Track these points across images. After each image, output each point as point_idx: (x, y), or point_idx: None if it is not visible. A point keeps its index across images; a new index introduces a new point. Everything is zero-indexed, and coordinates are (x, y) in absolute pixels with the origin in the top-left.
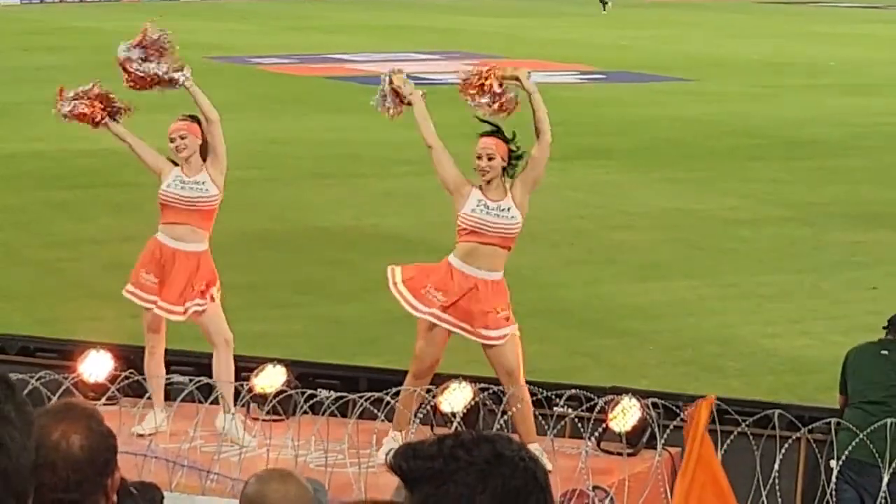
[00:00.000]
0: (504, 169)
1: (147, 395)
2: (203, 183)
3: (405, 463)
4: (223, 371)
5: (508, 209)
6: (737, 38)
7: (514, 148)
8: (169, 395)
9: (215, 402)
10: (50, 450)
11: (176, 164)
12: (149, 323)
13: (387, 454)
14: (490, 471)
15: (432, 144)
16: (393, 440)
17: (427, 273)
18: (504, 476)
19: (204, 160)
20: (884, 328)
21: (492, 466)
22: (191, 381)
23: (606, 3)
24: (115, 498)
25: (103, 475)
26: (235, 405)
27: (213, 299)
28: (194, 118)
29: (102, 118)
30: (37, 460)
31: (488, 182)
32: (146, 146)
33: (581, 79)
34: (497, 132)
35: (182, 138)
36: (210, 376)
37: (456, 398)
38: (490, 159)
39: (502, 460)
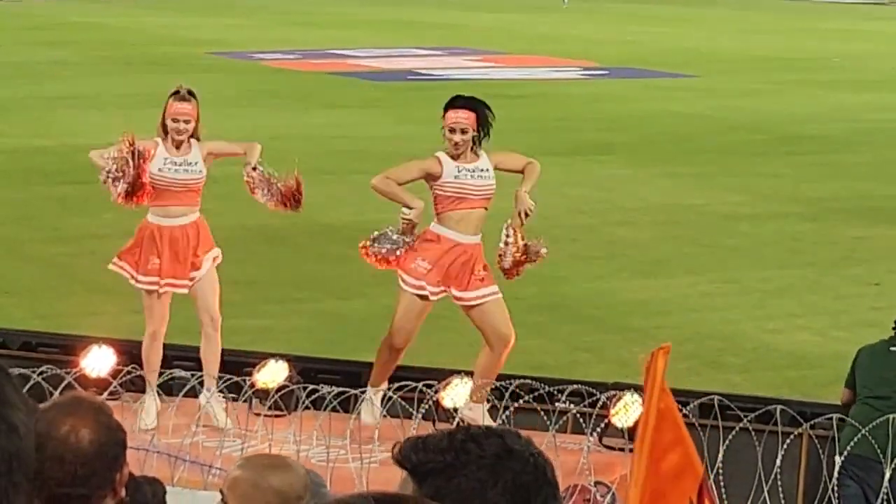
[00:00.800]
0: (473, 138)
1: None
2: (195, 163)
3: (414, 455)
4: (209, 350)
5: (486, 170)
6: (740, 33)
7: (484, 115)
8: (171, 390)
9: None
10: (58, 443)
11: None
12: (160, 307)
13: (393, 448)
14: (501, 465)
15: (400, 181)
16: (373, 397)
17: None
18: (514, 471)
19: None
20: (893, 328)
21: (502, 461)
22: (192, 375)
23: None
24: (123, 492)
25: (112, 470)
26: (238, 399)
27: (215, 261)
28: (194, 96)
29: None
30: (45, 453)
31: (460, 154)
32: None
33: (583, 74)
34: (470, 103)
35: (186, 122)
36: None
37: (458, 394)
38: (463, 133)
39: (513, 455)
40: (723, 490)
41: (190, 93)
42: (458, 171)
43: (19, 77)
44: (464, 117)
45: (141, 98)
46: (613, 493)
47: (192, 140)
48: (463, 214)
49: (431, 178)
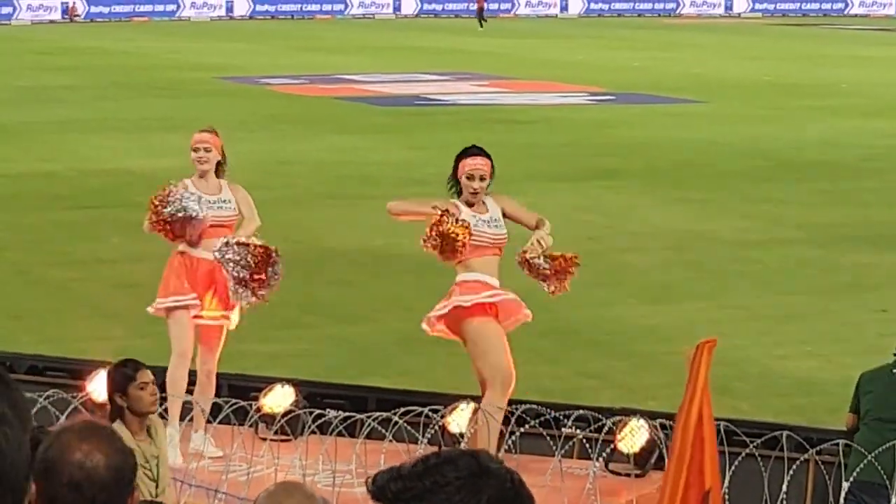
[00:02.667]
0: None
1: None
2: (228, 201)
3: (392, 485)
4: (203, 397)
5: (498, 220)
6: (748, 59)
7: (493, 164)
8: (183, 416)
9: (223, 422)
10: (75, 469)
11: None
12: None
13: (366, 481)
14: (479, 483)
15: (424, 209)
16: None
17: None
18: (493, 487)
19: (218, 176)
20: (894, 354)
21: (480, 479)
22: (226, 402)
23: (484, 20)
24: None
25: (125, 494)
26: (244, 425)
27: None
28: (215, 131)
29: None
30: (61, 479)
31: (475, 202)
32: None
33: (591, 100)
34: (484, 151)
35: (206, 150)
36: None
37: (464, 418)
38: (482, 179)
39: (489, 473)
40: None
41: (213, 129)
42: (476, 221)
43: (28, 102)
44: (482, 164)
45: (150, 123)
46: None
47: (222, 181)
48: (485, 261)
49: None
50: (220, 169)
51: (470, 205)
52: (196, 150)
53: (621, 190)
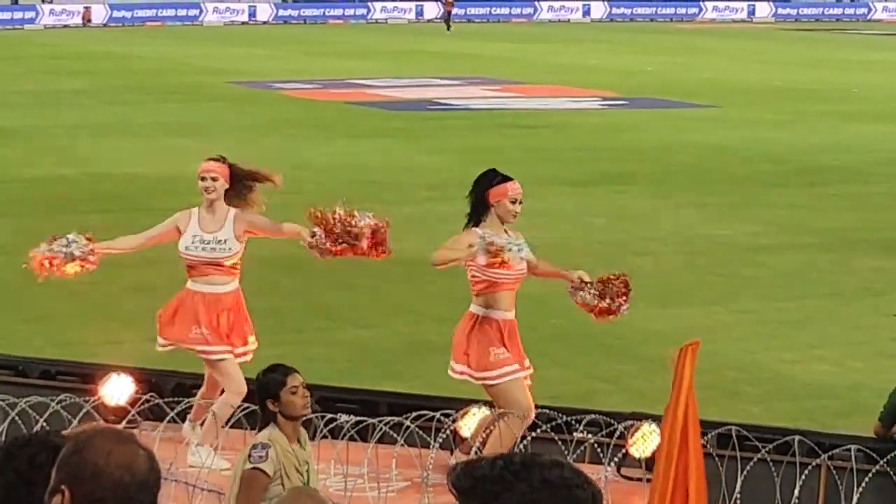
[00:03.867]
0: None
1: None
2: (225, 241)
3: (466, 481)
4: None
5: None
6: (760, 64)
7: None
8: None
9: (235, 425)
10: (124, 471)
11: (189, 213)
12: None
13: (449, 472)
14: (543, 495)
15: (461, 255)
16: None
17: (485, 341)
18: (557, 499)
19: (227, 204)
20: None
21: (544, 490)
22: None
23: (450, 24)
24: None
25: (156, 497)
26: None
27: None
28: (224, 160)
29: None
30: (104, 482)
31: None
32: (149, 233)
33: (603, 105)
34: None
35: (213, 179)
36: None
37: (476, 423)
38: (521, 203)
39: (556, 483)
40: None
41: (224, 157)
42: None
43: (41, 106)
44: (519, 188)
45: (162, 127)
46: None
47: (230, 213)
48: (509, 294)
49: (472, 258)
50: (228, 197)
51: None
52: (203, 178)
53: (633, 194)
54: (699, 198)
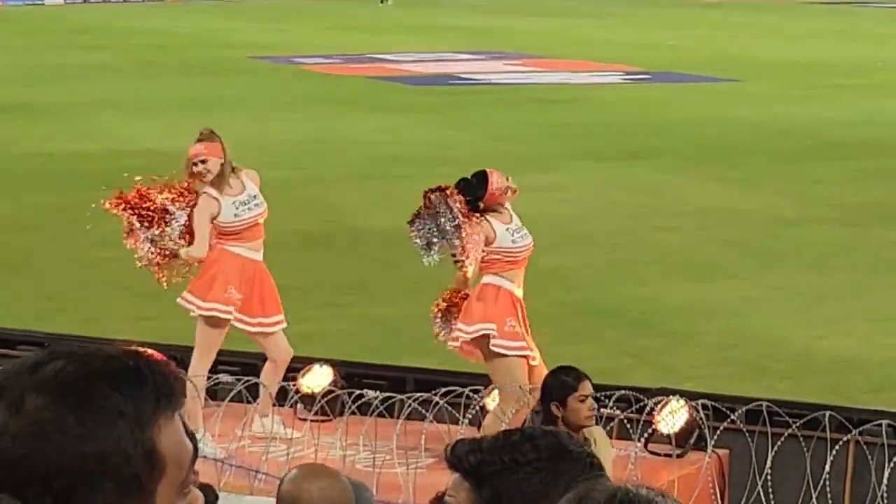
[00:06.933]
0: None
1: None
2: (256, 196)
3: (472, 457)
4: (275, 378)
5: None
6: (782, 38)
7: None
8: (216, 395)
9: (235, 398)
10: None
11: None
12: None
13: (446, 449)
14: (559, 466)
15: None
16: None
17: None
18: (572, 472)
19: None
20: None
21: (560, 462)
22: (238, 380)
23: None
24: None
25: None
26: (283, 405)
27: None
28: (213, 135)
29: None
30: None
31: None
32: (205, 234)
33: (625, 79)
34: None
35: (203, 162)
36: (257, 376)
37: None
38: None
39: (570, 455)
40: (771, 497)
41: (211, 132)
42: (512, 234)
43: (62, 80)
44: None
45: (183, 102)
46: None
47: (242, 174)
48: (519, 272)
49: (484, 242)
50: (224, 171)
51: (501, 218)
52: (194, 164)
53: (656, 169)
54: (723, 172)
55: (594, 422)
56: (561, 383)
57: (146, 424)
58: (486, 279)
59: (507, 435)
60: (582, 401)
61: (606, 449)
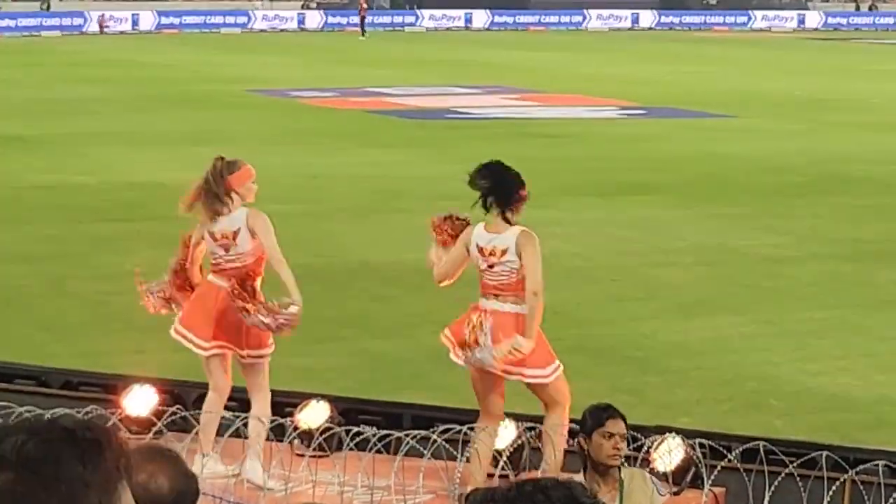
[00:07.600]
0: None
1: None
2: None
3: None
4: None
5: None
6: (778, 73)
7: None
8: (219, 431)
9: (234, 434)
10: (140, 490)
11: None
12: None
13: (463, 499)
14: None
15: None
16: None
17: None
18: None
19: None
20: None
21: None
22: (236, 417)
23: (365, 31)
24: None
25: None
26: (282, 440)
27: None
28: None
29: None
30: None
31: None
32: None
33: (621, 114)
34: None
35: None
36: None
37: (502, 437)
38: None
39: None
40: None
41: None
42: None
43: (58, 113)
44: None
45: (179, 135)
46: None
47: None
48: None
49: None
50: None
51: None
52: (254, 182)
53: (653, 205)
54: (720, 208)
55: (619, 462)
56: (591, 417)
57: (111, 493)
58: (506, 307)
59: (520, 485)
60: (607, 437)
61: (639, 494)
